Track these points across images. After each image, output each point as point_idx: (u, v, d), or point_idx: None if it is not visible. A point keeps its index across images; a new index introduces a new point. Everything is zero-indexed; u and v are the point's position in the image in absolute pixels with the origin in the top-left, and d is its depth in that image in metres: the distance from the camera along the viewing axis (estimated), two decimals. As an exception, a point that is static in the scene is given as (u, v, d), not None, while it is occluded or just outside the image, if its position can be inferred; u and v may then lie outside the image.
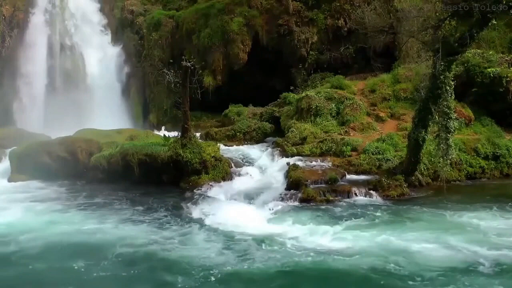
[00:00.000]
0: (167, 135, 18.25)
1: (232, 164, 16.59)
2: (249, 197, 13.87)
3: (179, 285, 8.44)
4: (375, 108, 19.33)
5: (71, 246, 10.39)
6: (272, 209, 12.97)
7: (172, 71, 18.52)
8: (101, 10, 28.61)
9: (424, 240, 10.17)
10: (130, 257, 9.69)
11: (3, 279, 8.89)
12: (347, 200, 13.54)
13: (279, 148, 17.74)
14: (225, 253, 9.81)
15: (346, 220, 11.70)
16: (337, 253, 9.61)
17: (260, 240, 10.39)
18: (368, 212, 12.33)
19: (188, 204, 13.52)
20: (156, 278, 8.80)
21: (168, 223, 11.97)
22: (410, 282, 8.29)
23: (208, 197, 14.26)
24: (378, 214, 12.21)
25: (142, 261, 9.50)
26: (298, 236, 10.62)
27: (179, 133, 16.65)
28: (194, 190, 14.98)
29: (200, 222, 11.98)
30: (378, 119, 18.78)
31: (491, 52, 19.27)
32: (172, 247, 10.19)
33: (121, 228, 11.52)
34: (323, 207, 12.96)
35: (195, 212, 12.82)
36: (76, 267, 9.18)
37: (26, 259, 9.63)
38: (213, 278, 8.65)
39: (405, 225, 11.32)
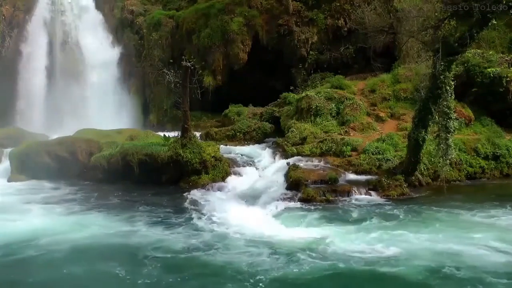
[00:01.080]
0: (167, 135, 18.25)
1: (232, 164, 16.59)
2: (249, 197, 13.87)
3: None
4: (375, 108, 19.33)
5: (101, 248, 10.20)
6: (273, 209, 12.98)
7: (172, 71, 18.51)
8: (101, 10, 28.60)
9: (450, 240, 10.09)
10: (166, 262, 9.43)
11: (43, 284, 8.68)
12: (347, 200, 13.55)
13: (279, 148, 17.74)
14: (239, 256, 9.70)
15: (361, 222, 11.55)
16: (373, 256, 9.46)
17: (265, 241, 10.41)
18: (376, 212, 12.32)
19: (189, 204, 13.57)
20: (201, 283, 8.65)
21: (176, 224, 11.93)
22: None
23: (208, 197, 14.26)
24: (389, 213, 12.18)
25: (183, 267, 9.18)
26: (304, 237, 10.57)
27: (179, 133, 16.65)
28: (194, 190, 14.98)
29: (201, 222, 11.96)
30: (378, 119, 18.78)
31: (491, 52, 19.28)
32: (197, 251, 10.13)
33: (143, 230, 11.35)
34: (326, 206, 12.96)
35: (196, 212, 12.84)
36: (112, 271, 8.95)
37: (60, 263, 9.38)
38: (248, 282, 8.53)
39: (422, 224, 11.26)
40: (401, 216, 11.95)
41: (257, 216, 12.38)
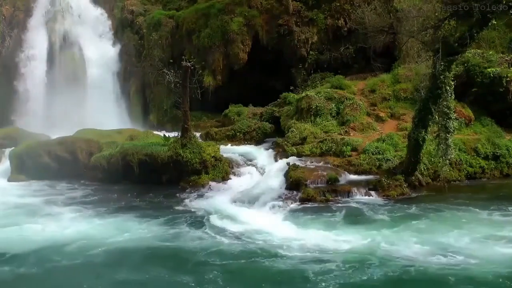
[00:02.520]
0: (167, 135, 18.25)
1: (232, 164, 16.59)
2: (250, 197, 13.87)
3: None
4: (375, 108, 19.33)
5: (143, 252, 10.07)
6: (273, 209, 12.98)
7: (172, 71, 18.52)
8: (101, 10, 28.58)
9: (481, 239, 10.12)
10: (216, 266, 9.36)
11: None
12: (347, 200, 13.55)
13: (279, 148, 17.74)
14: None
15: (373, 222, 11.54)
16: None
17: (267, 240, 10.49)
18: (382, 212, 12.34)
19: (189, 204, 13.57)
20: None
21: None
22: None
23: (209, 197, 14.27)
24: (397, 214, 12.17)
25: (242, 272, 9.11)
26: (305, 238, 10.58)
27: (179, 133, 16.65)
28: (194, 190, 14.98)
29: (202, 222, 11.99)
30: (378, 119, 18.78)
31: (491, 52, 19.26)
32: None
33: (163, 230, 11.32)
34: (327, 206, 12.97)
35: (197, 212, 12.85)
36: (171, 276, 8.88)
37: (109, 268, 9.26)
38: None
39: (437, 224, 11.31)
40: (422, 216, 11.89)
41: (257, 216, 12.40)
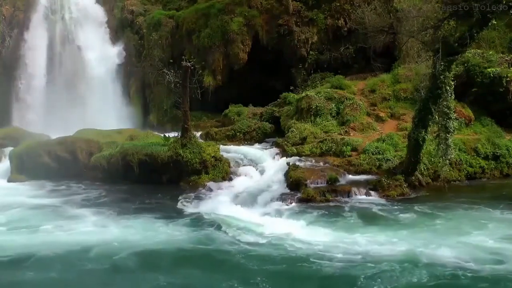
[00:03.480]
0: (167, 135, 18.24)
1: (232, 164, 16.58)
2: (250, 197, 13.87)
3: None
4: (375, 108, 19.33)
5: (173, 254, 9.90)
6: (273, 208, 12.98)
7: (172, 71, 18.52)
8: (101, 10, 28.58)
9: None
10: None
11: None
12: (347, 200, 13.55)
13: (279, 148, 17.74)
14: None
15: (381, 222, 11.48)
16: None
17: (266, 240, 10.51)
18: (389, 212, 12.34)
19: (188, 204, 13.58)
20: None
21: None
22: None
23: (209, 197, 14.26)
24: (407, 214, 12.11)
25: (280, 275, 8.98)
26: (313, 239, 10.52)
27: (179, 133, 16.65)
28: (194, 190, 14.97)
29: (203, 223, 11.99)
30: (378, 119, 18.78)
31: (491, 52, 19.27)
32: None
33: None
34: (328, 206, 12.95)
35: (196, 213, 12.85)
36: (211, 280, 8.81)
37: (143, 272, 9.08)
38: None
39: (455, 224, 11.21)
40: (419, 217, 11.82)
41: (257, 216, 12.40)
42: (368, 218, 11.97)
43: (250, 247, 10.14)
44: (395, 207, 12.81)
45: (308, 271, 8.95)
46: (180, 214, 12.85)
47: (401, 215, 12.10)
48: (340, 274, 8.73)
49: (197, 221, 12.11)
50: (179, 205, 13.64)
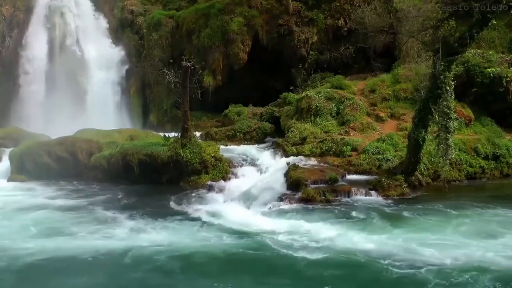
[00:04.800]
0: (167, 135, 18.24)
1: (232, 164, 16.58)
2: (250, 197, 13.86)
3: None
4: (375, 108, 19.33)
5: (214, 260, 9.67)
6: (273, 209, 12.99)
7: (172, 71, 18.51)
8: (101, 10, 28.61)
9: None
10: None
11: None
12: (348, 200, 13.55)
13: (279, 148, 17.73)
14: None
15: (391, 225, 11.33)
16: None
17: (267, 239, 10.51)
18: (393, 212, 12.34)
19: (189, 205, 13.58)
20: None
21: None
22: None
23: (209, 197, 14.26)
24: (414, 214, 12.08)
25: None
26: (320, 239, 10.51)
27: (179, 133, 16.65)
28: (194, 190, 14.97)
29: (203, 223, 11.98)
30: (378, 119, 18.78)
31: (491, 52, 19.28)
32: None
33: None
34: (329, 207, 12.94)
35: (197, 213, 12.85)
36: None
37: (188, 276, 8.92)
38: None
39: (467, 224, 11.18)
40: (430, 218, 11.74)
41: (257, 216, 12.40)
42: (368, 218, 11.95)
43: (250, 247, 10.12)
44: (395, 207, 12.81)
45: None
46: (180, 214, 12.82)
47: (401, 215, 12.09)
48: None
49: (198, 221, 12.09)
50: (180, 205, 13.63)
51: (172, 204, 13.77)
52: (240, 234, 10.99)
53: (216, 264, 9.45)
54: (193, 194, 14.58)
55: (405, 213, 12.20)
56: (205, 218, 12.32)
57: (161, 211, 13.01)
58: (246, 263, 9.42)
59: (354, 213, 12.35)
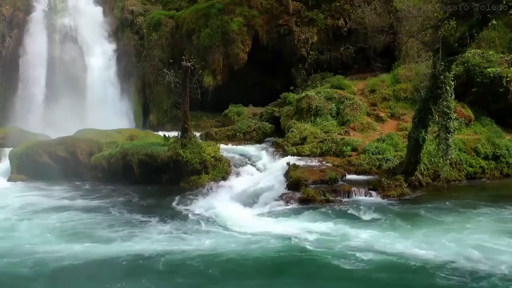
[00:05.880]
0: (167, 135, 18.24)
1: (232, 164, 16.57)
2: (250, 197, 13.87)
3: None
4: (375, 108, 19.33)
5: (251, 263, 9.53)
6: (273, 209, 12.99)
7: (172, 71, 18.50)
8: (101, 10, 28.58)
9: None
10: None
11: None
12: (348, 200, 13.55)
13: (279, 148, 17.74)
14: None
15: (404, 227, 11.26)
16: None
17: (267, 240, 10.50)
18: (397, 212, 12.31)
19: (189, 205, 13.59)
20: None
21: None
22: None
23: (209, 197, 14.26)
24: (420, 214, 12.09)
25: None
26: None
27: (179, 133, 16.64)
28: (194, 190, 14.96)
29: (203, 223, 11.98)
30: (378, 119, 18.78)
31: (491, 52, 19.27)
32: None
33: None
34: (330, 207, 12.93)
35: (196, 213, 12.85)
36: None
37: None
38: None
39: (476, 224, 11.15)
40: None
41: (257, 216, 12.39)
42: (369, 218, 11.96)
43: (251, 248, 10.11)
44: (395, 207, 12.81)
45: (361, 274, 8.90)
46: (180, 215, 12.84)
47: (401, 214, 12.08)
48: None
49: (198, 221, 12.09)
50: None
51: (179, 205, 13.74)
52: (241, 234, 10.95)
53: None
54: (193, 194, 14.54)
55: (404, 213, 12.19)
56: (204, 218, 12.30)
57: (167, 211, 13.01)
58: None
59: (354, 213, 12.33)
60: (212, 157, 16.07)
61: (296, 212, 12.61)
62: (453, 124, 13.23)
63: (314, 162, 16.02)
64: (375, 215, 12.09)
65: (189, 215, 12.70)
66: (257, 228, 11.36)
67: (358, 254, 9.52)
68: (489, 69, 17.97)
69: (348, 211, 12.52)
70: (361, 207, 12.77)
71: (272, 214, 12.61)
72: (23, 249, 10.09)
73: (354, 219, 11.90)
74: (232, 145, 19.53)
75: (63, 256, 9.68)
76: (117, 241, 10.71)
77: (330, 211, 12.55)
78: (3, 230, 11.43)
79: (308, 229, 11.06)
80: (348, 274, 8.76)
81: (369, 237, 10.45)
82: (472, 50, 18.08)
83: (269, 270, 9.20)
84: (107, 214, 12.86)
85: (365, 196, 13.83)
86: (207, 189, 15.04)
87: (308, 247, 10.02)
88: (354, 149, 16.53)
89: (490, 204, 12.55)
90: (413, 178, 14.49)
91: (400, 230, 10.91)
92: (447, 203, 12.80)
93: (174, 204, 13.81)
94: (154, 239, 10.81)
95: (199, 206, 13.46)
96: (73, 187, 16.08)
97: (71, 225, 11.89)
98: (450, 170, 14.98)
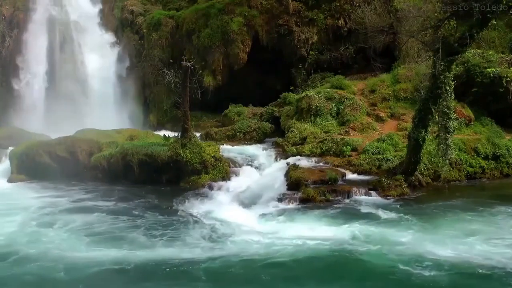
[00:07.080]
0: (167, 135, 18.24)
1: (232, 164, 16.58)
2: (250, 197, 13.86)
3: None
4: (375, 108, 19.34)
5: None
6: (273, 208, 12.99)
7: (172, 71, 18.50)
8: (101, 10, 28.58)
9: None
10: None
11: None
12: (348, 200, 13.54)
13: (279, 148, 17.76)
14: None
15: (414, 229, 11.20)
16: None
17: (267, 240, 10.51)
18: (397, 212, 12.31)
19: (189, 205, 13.58)
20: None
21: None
22: None
23: (209, 197, 14.26)
24: (423, 214, 12.09)
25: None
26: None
27: (179, 133, 16.65)
28: (194, 191, 14.96)
29: (203, 223, 11.99)
30: (378, 119, 18.79)
31: (491, 52, 19.27)
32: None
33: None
34: (330, 206, 12.93)
35: (196, 213, 12.84)
36: None
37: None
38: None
39: (482, 224, 11.22)
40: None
41: (257, 216, 12.40)
42: (368, 218, 11.95)
43: (251, 248, 10.14)
44: (395, 207, 12.80)
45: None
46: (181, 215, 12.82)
47: (401, 214, 12.09)
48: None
49: (199, 222, 12.09)
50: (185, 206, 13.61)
51: (183, 205, 13.70)
52: (241, 235, 10.95)
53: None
54: (193, 195, 14.49)
55: (404, 213, 12.18)
56: (204, 219, 12.29)
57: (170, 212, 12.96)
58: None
59: (354, 213, 12.33)
60: (212, 157, 16.07)
61: (295, 212, 12.59)
62: (453, 124, 13.24)
63: (314, 162, 16.02)
64: (393, 215, 12.06)
65: (195, 217, 12.57)
66: (254, 228, 11.34)
67: (401, 257, 9.41)
68: (489, 69, 17.97)
69: (347, 211, 12.49)
70: (359, 207, 12.76)
71: (271, 214, 12.58)
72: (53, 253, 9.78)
73: (368, 219, 11.80)
74: (232, 145, 19.52)
75: (95, 261, 9.33)
76: (157, 246, 10.48)
77: (329, 211, 12.50)
78: (28, 235, 11.02)
79: (304, 229, 11.04)
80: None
81: (404, 239, 10.37)
82: (472, 50, 18.08)
83: (321, 272, 9.08)
84: (131, 217, 12.62)
85: (365, 196, 13.83)
86: (207, 189, 15.03)
87: (300, 246, 10.01)
88: (354, 149, 16.53)
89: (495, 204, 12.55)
90: (413, 178, 14.48)
91: (423, 230, 10.89)
92: (445, 203, 12.80)
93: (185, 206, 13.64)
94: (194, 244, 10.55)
95: (199, 207, 13.43)
96: (84, 188, 15.85)
97: (97, 229, 11.64)
98: (450, 170, 14.99)
